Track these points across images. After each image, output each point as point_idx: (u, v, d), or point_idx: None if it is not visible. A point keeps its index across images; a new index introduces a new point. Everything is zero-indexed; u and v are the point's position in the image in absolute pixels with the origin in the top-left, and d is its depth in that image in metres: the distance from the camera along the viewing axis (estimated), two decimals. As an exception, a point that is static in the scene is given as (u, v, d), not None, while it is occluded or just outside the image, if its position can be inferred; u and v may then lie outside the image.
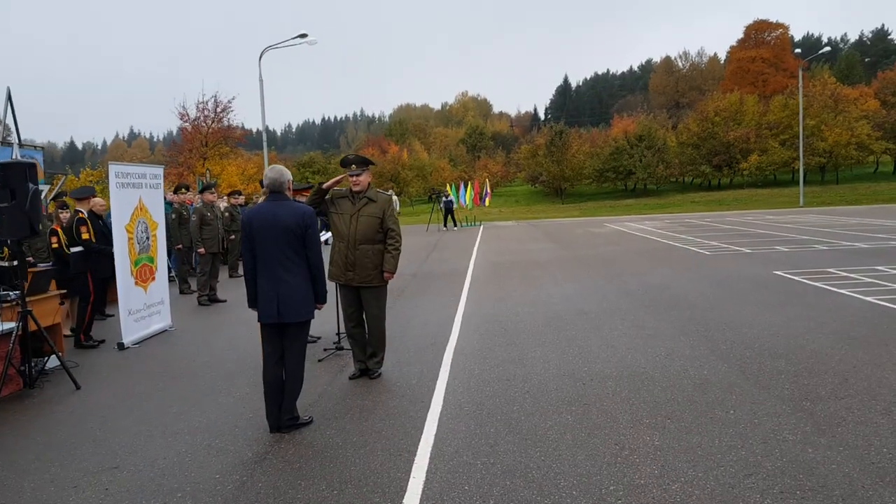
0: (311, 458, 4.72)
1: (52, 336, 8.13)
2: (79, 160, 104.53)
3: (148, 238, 9.60)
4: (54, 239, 9.18)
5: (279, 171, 5.41)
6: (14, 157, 13.45)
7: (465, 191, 35.65)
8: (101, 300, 10.61)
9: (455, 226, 32.19)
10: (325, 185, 6.75)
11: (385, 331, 6.87)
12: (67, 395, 6.75)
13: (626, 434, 4.82)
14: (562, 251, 18.90)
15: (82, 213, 9.13)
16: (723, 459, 4.30)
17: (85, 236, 8.93)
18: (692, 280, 12.06)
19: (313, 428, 5.34)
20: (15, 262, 9.15)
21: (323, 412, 5.72)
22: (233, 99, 39.30)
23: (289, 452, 4.86)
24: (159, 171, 10.15)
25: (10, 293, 7.49)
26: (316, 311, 5.51)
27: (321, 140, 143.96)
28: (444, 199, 32.98)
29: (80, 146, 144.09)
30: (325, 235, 8.15)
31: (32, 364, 7.18)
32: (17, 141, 13.59)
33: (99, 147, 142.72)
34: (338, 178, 6.81)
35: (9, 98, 13.56)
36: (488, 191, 38.53)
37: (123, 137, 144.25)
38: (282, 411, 5.30)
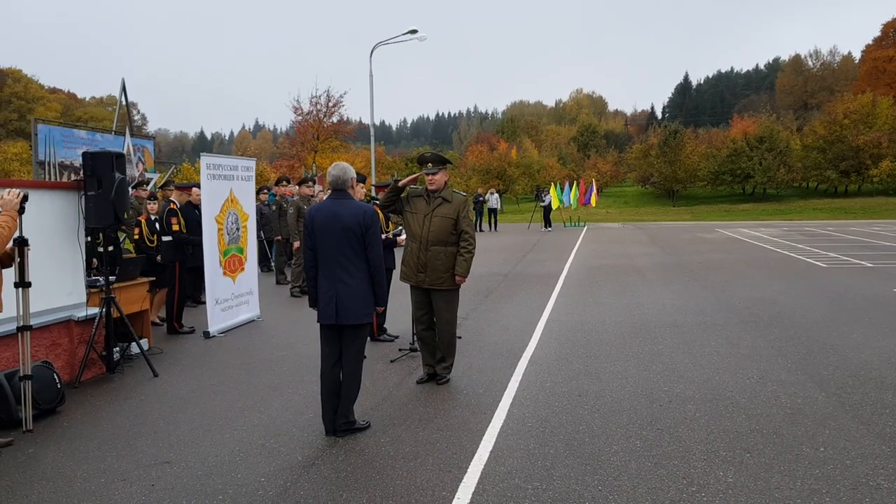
0: (358, 468, 4.55)
1: (138, 323, 8.38)
2: (207, 149, 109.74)
3: (238, 229, 9.74)
4: (137, 230, 9.43)
5: (342, 169, 5.27)
6: (126, 145, 14.06)
7: (570, 190, 34.88)
8: (196, 288, 10.89)
9: (548, 227, 31.31)
10: (401, 183, 6.58)
11: (456, 336, 6.65)
12: (144, 382, 6.88)
13: (697, 467, 4.40)
14: (664, 257, 18.13)
15: (174, 203, 9.35)
16: (803, 506, 3.84)
17: (175, 227, 9.13)
18: (801, 295, 11.23)
19: (368, 434, 5.18)
20: (111, 248, 9.53)
21: (382, 417, 5.56)
22: (344, 94, 39.96)
23: (338, 459, 4.71)
24: (251, 163, 10.30)
25: (100, 279, 7.73)
26: (389, 311, 5.33)
27: (434, 136, 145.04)
28: (544, 198, 31.96)
29: (209, 136, 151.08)
30: (403, 235, 8.01)
31: (117, 349, 7.38)
32: (129, 130, 14.16)
33: (226, 138, 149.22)
34: (413, 175, 6.65)
35: (123, 89, 14.15)
36: (594, 191, 37.59)
37: (249, 129, 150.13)
38: (337, 415, 5.16)
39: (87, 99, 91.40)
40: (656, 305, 10.47)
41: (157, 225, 9.53)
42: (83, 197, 6.95)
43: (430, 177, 6.44)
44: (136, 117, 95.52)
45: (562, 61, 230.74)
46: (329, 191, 5.35)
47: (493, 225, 31.81)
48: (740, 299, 10.85)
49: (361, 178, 7.89)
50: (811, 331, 8.41)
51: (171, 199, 9.64)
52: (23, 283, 5.19)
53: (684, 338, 8.17)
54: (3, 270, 5.12)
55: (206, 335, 8.93)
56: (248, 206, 10.09)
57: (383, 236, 7.87)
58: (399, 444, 4.97)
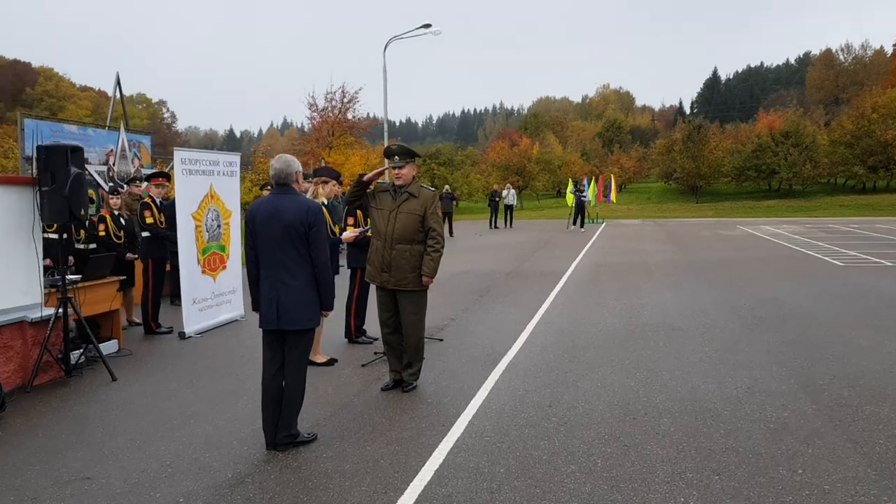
0: (289, 487, 4.18)
1: (107, 323, 8.10)
2: (236, 147, 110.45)
3: (219, 226, 9.41)
4: (102, 226, 9.12)
5: (285, 161, 4.89)
6: (121, 140, 13.83)
7: (588, 186, 34.20)
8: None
9: (577, 225, 29.95)
10: (366, 177, 6.19)
11: (423, 339, 6.26)
12: (100, 387, 6.57)
13: (656, 491, 3.96)
14: (678, 255, 17.57)
15: (148, 197, 9.04)
16: (767, 541, 3.39)
17: (149, 220, 8.83)
18: (811, 295, 10.66)
19: (311, 448, 4.80)
20: (92, 245, 9.26)
21: (333, 428, 5.18)
22: (359, 90, 39.62)
23: (270, 477, 4.34)
24: (235, 158, 9.96)
25: (67, 277, 7.44)
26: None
27: (459, 132, 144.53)
28: (582, 195, 29.99)
29: (238, 134, 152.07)
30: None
31: (80, 351, 7.09)
32: (124, 125, 13.94)
33: (255, 135, 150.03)
34: (379, 170, 6.25)
35: (117, 83, 13.93)
36: (613, 187, 36.87)
37: (277, 127, 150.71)
38: (278, 427, 4.79)
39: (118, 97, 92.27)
40: (657, 306, 9.97)
41: (123, 220, 9.22)
42: (38, 192, 6.64)
43: (396, 171, 6.04)
44: (165, 115, 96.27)
45: (589, 56, 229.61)
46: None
47: (508, 221, 31.33)
48: (747, 300, 10.32)
49: (335, 175, 7.50)
50: (814, 335, 7.88)
51: (150, 193, 9.32)
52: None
53: (678, 342, 7.70)
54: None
55: (182, 336, 8.63)
56: (231, 202, 9.75)
57: (359, 231, 7.45)
58: (341, 459, 4.58)
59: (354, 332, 8.04)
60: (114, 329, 8.12)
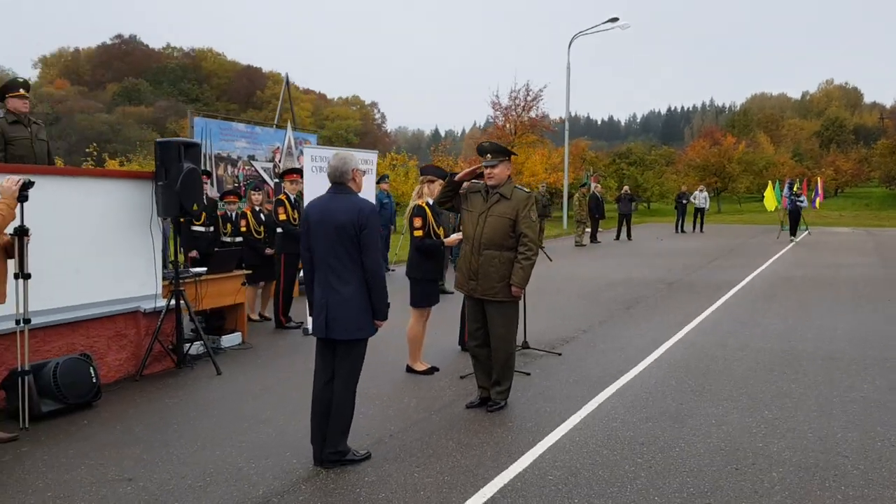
0: (310, 513, 3.85)
1: (232, 316, 8.27)
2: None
3: (351, 224, 9.37)
4: (243, 222, 9.34)
5: (341, 159, 4.56)
6: (287, 138, 14.35)
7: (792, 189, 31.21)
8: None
9: (792, 235, 25.13)
10: (457, 177, 5.75)
11: (514, 355, 5.71)
12: (202, 380, 6.66)
13: (722, 572, 3.19)
14: (878, 269, 15.39)
15: (284, 194, 9.15)
16: None
17: (282, 217, 8.92)
18: None
19: (359, 468, 4.45)
20: (238, 239, 9.57)
21: (393, 447, 4.81)
22: (544, 87, 38.92)
23: (298, 499, 4.03)
24: (371, 156, 9.87)
25: (191, 270, 7.68)
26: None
27: (664, 130, 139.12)
28: (795, 199, 26.42)
29: (442, 133, 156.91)
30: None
31: (201, 343, 7.25)
32: (291, 123, 14.45)
33: (458, 135, 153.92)
34: (471, 168, 5.78)
35: (287, 84, 14.46)
36: (819, 192, 33.45)
37: (479, 126, 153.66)
38: (325, 443, 4.48)
39: (334, 99, 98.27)
40: (823, 330, 8.62)
41: (263, 216, 9.43)
42: (155, 187, 6.85)
43: (488, 170, 5.54)
44: (376, 116, 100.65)
45: (811, 50, 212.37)
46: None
47: (697, 225, 29.33)
48: (944, 329, 8.69)
49: (441, 174, 7.09)
50: None
51: (286, 190, 9.46)
52: (23, 275, 5.03)
53: (832, 376, 6.53)
54: (12, 261, 5.03)
55: (305, 332, 8.66)
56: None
57: (457, 236, 6.92)
58: (381, 486, 4.18)
59: (468, 339, 7.60)
60: (238, 322, 8.28)
